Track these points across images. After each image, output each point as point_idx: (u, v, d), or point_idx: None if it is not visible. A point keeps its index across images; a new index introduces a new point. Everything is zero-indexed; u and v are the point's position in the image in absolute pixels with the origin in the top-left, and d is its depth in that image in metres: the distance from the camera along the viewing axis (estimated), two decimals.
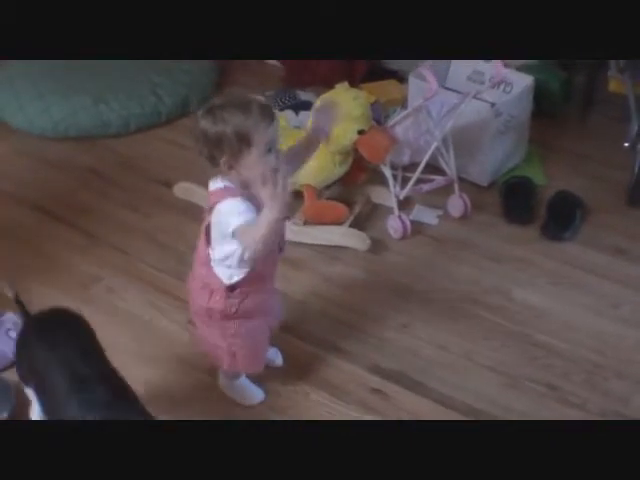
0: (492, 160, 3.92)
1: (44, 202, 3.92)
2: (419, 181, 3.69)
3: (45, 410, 2.53)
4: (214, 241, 2.52)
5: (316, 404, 2.93)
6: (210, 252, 2.55)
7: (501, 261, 3.56)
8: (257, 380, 2.97)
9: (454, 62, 4.17)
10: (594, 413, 2.89)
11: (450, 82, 4.16)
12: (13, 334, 3.06)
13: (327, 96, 3.43)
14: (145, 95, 4.51)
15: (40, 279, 3.44)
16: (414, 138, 3.66)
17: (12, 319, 3.16)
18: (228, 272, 2.56)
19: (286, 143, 2.77)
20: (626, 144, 3.85)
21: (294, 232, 3.48)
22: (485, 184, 3.98)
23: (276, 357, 3.06)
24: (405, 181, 3.70)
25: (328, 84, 3.68)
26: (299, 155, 2.71)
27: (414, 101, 3.72)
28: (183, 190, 3.89)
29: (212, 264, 2.57)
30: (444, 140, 3.66)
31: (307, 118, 3.61)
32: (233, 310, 2.61)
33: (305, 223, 3.59)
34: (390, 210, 3.70)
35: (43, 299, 3.28)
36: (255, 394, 2.93)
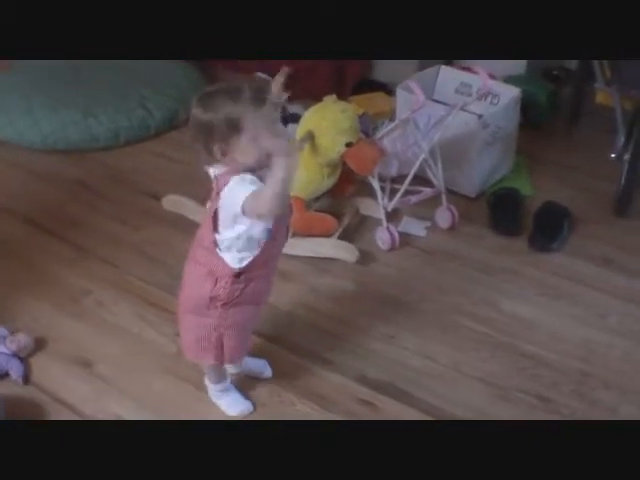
0: (480, 171, 3.94)
1: (34, 215, 3.92)
2: (407, 193, 3.70)
3: None
4: (222, 225, 2.51)
5: (304, 415, 2.91)
6: (217, 237, 2.54)
7: (489, 272, 3.57)
8: (244, 390, 2.97)
9: (441, 74, 4.20)
10: None
11: (438, 94, 4.18)
12: (2, 348, 3.06)
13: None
14: (134, 108, 4.53)
15: (30, 292, 3.44)
16: (402, 150, 3.68)
17: (2, 332, 3.16)
18: (238, 256, 2.55)
19: None
20: (613, 155, 3.86)
21: None
22: (473, 195, 4.00)
23: (265, 369, 3.06)
24: (393, 193, 3.71)
25: (316, 97, 3.69)
26: None
27: (402, 113, 3.74)
28: (172, 203, 3.90)
29: (218, 250, 2.55)
30: (432, 152, 3.67)
31: (295, 130, 3.61)
32: (236, 295, 2.60)
33: (294, 235, 3.59)
34: (378, 222, 3.71)
35: (33, 312, 3.31)
36: (244, 405, 2.92)
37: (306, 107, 3.69)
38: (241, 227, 2.48)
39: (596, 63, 3.97)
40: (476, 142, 3.82)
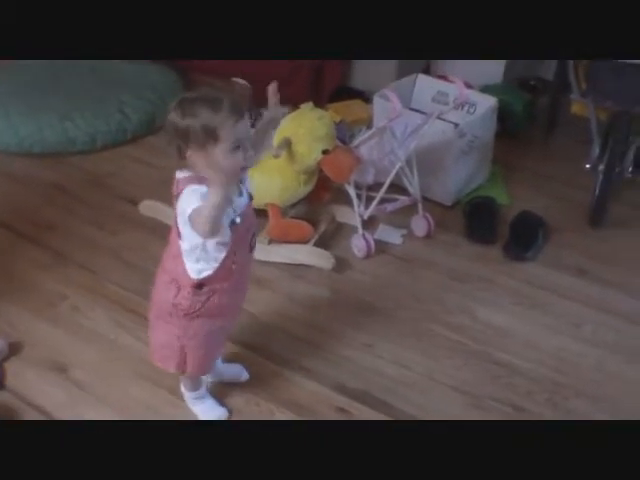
0: (456, 180, 3.96)
1: (9, 219, 3.91)
2: (383, 201, 3.72)
3: None
4: (182, 231, 2.49)
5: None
6: (180, 244, 2.53)
7: (464, 280, 3.59)
8: (221, 398, 2.97)
9: (418, 83, 4.22)
10: None
11: (415, 103, 4.20)
12: None
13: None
14: (111, 112, 4.52)
15: (5, 297, 3.43)
16: (378, 158, 3.69)
17: None
18: (197, 267, 2.54)
19: None
20: (587, 166, 3.90)
21: (259, 251, 3.49)
22: (449, 204, 4.02)
23: (242, 373, 3.07)
24: (369, 201, 3.73)
25: (294, 103, 3.70)
26: (262, 133, 2.72)
27: (379, 121, 3.75)
28: (149, 208, 3.90)
29: (183, 257, 2.54)
30: (408, 160, 3.69)
31: (272, 137, 3.62)
32: (197, 307, 2.59)
33: (270, 242, 3.60)
34: (354, 229, 3.72)
35: (9, 317, 3.30)
36: (219, 412, 2.92)
37: (283, 114, 3.70)
38: (195, 237, 2.46)
39: (572, 74, 4.00)
40: (452, 151, 3.84)
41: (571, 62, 4.01)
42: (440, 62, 4.82)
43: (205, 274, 2.55)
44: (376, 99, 4.02)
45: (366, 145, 3.66)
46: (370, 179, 3.78)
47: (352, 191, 3.65)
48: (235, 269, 2.59)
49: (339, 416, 2.95)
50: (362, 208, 3.70)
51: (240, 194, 2.51)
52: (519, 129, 4.57)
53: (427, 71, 4.68)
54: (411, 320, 3.38)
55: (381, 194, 3.67)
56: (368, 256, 3.69)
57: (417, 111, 4.01)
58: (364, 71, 4.82)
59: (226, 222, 2.44)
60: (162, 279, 2.64)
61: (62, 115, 4.43)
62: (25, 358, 3.15)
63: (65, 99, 4.58)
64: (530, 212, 3.88)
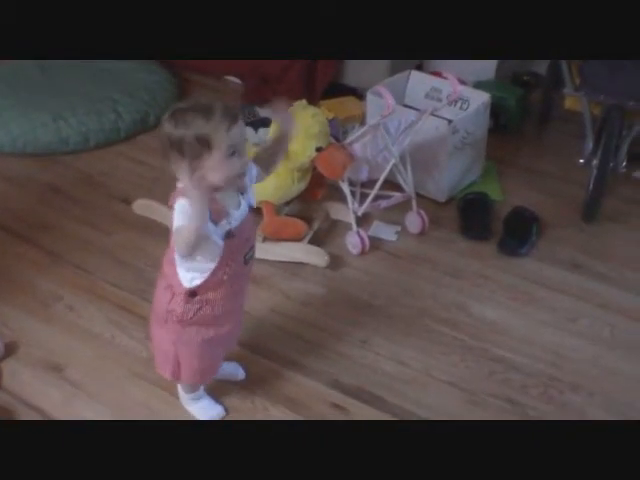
0: (449, 176, 3.96)
1: (2, 218, 3.90)
2: (377, 197, 3.72)
3: None
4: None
5: (276, 419, 2.92)
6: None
7: (459, 277, 3.59)
8: (216, 396, 2.97)
9: (412, 79, 4.22)
10: None
11: (408, 99, 4.20)
12: None
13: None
14: (104, 112, 4.51)
15: (0, 297, 3.42)
16: (372, 155, 3.68)
17: None
18: (189, 275, 2.54)
19: None
20: (581, 161, 3.91)
21: None
22: (443, 200, 4.02)
23: (237, 371, 3.06)
24: (363, 197, 3.73)
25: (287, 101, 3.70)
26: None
27: (372, 118, 3.75)
28: (143, 207, 3.89)
29: (176, 264, 2.54)
30: (402, 157, 3.69)
31: (266, 135, 3.62)
32: (190, 315, 2.58)
33: (264, 239, 3.60)
34: (349, 226, 3.72)
35: (3, 317, 3.30)
36: (215, 410, 2.93)
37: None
38: None
39: (565, 69, 4.01)
40: (446, 147, 3.84)
41: None
42: None
43: (196, 282, 2.54)
44: (369, 96, 4.02)
45: (360, 142, 3.65)
46: (364, 176, 3.77)
47: (346, 188, 3.65)
48: (227, 280, 2.57)
49: (334, 412, 2.95)
50: (356, 205, 3.70)
51: (238, 206, 2.50)
52: (512, 125, 4.57)
53: (420, 68, 4.69)
54: (406, 316, 3.38)
55: (375, 191, 3.67)
56: (363, 253, 3.69)
57: (410, 107, 4.02)
58: (357, 68, 4.81)
59: (219, 234, 2.44)
60: (160, 284, 2.65)
61: (55, 114, 4.42)
62: (20, 358, 3.15)
63: (58, 98, 4.57)
64: (524, 207, 3.89)
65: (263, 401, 2.99)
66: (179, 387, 2.92)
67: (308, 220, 3.75)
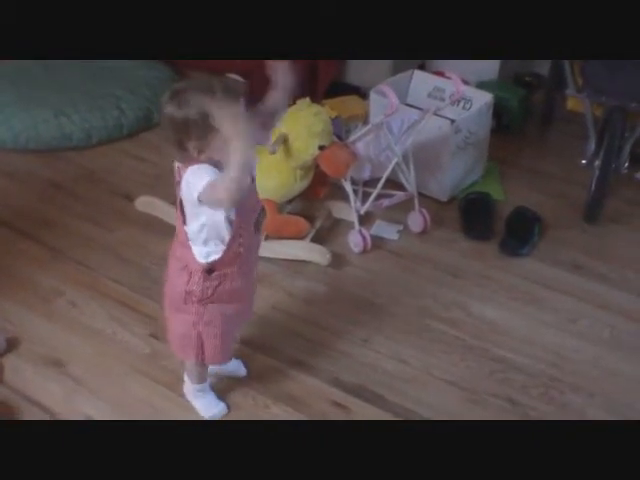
0: (452, 176, 3.96)
1: (5, 215, 3.91)
2: (380, 196, 3.72)
3: None
4: (188, 216, 2.49)
5: (277, 417, 2.93)
6: (186, 229, 2.53)
7: (460, 276, 3.59)
8: (219, 393, 2.97)
9: (415, 79, 4.22)
10: None
11: (411, 99, 4.20)
12: None
13: None
14: (107, 108, 4.52)
15: (2, 293, 3.43)
16: (375, 154, 3.69)
17: None
18: (205, 250, 2.54)
19: None
20: (583, 162, 3.91)
21: None
22: (445, 200, 4.02)
23: (239, 369, 3.07)
24: (366, 196, 3.73)
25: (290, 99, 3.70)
26: (271, 111, 2.67)
27: (375, 117, 3.75)
28: (145, 204, 3.89)
29: (190, 243, 2.54)
30: (404, 156, 3.69)
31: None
32: (209, 292, 2.59)
33: (266, 238, 3.60)
34: (351, 225, 3.73)
35: (5, 313, 3.30)
36: (218, 407, 2.93)
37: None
38: (202, 217, 2.46)
39: (568, 70, 4.01)
40: (448, 147, 3.85)
41: None
42: None
43: (213, 257, 2.54)
44: (372, 95, 4.02)
45: (362, 141, 3.66)
46: (366, 175, 3.78)
47: (349, 187, 3.66)
48: (242, 252, 2.58)
49: (335, 410, 2.96)
50: (359, 204, 3.70)
51: None
52: (515, 125, 4.57)
53: (423, 67, 4.69)
54: (407, 315, 3.38)
55: (377, 190, 3.68)
56: (364, 251, 3.70)
57: (413, 107, 4.02)
58: (360, 67, 4.81)
59: None
60: (174, 267, 2.64)
61: (57, 111, 4.43)
62: (22, 354, 3.16)
63: (60, 94, 4.58)
64: (526, 208, 3.89)
65: (264, 398, 2.99)
66: (186, 380, 2.92)
67: (310, 218, 3.76)
